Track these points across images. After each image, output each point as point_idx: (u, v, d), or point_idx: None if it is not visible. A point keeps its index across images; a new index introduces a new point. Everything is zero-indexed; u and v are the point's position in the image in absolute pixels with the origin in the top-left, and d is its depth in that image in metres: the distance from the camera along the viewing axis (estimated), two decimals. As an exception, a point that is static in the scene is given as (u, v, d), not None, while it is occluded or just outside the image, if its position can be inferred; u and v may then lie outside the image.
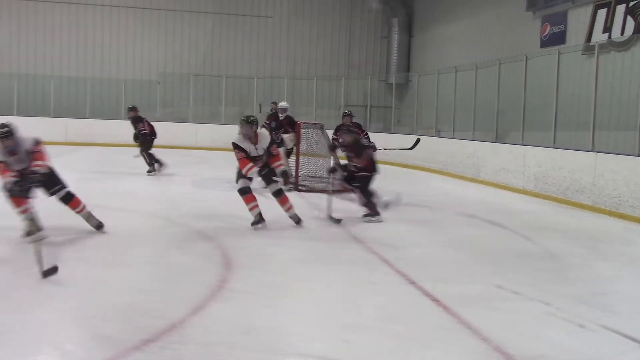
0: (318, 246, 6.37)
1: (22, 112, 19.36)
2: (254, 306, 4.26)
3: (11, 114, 19.35)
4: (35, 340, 3.54)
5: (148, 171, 11.77)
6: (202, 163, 15.16)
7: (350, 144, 8.15)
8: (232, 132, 18.10)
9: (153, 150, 12.01)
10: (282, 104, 11.96)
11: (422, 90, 16.94)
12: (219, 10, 21.58)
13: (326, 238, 6.82)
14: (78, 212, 6.45)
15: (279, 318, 4.07)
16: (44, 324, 3.78)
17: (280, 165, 7.37)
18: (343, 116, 11.14)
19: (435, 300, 4.50)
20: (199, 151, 18.16)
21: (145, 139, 11.99)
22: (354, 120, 11.05)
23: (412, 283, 4.94)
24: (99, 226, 6.51)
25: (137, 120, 12.11)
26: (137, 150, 12.18)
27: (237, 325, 3.86)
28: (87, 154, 15.58)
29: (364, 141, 8.62)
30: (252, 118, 7.08)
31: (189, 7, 21.43)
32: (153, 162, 11.89)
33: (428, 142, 15.35)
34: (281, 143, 10.89)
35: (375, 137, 13.84)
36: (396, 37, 21.93)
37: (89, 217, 6.51)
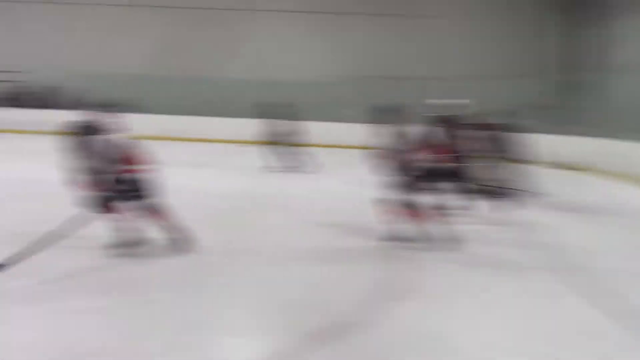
0: (502, 254, 6.39)
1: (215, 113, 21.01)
2: (443, 311, 4.52)
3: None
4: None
5: None
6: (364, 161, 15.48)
7: None
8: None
9: None
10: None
11: (593, 90, 16.07)
12: (382, 11, 21.98)
13: (509, 246, 6.77)
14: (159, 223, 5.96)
15: (468, 323, 4.30)
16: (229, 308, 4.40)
17: None
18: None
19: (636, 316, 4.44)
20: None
21: None
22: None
23: (608, 296, 4.91)
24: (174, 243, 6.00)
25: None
26: None
27: (426, 330, 4.16)
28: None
29: None
30: None
31: (357, 9, 22.02)
32: None
33: (603, 146, 14.57)
34: None
35: (550, 139, 13.46)
36: (561, 34, 20.88)
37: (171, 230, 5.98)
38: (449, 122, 8.19)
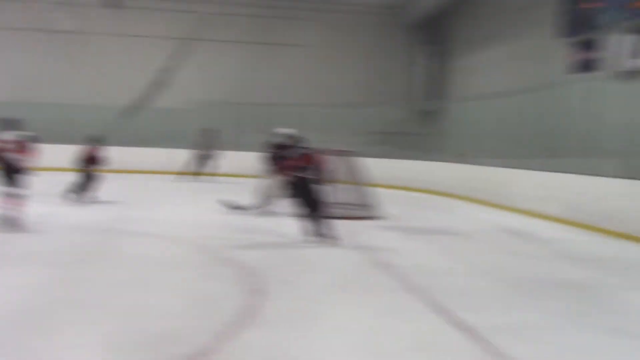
0: (349, 274, 6.33)
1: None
2: (285, 334, 4.23)
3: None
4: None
5: None
6: (227, 190, 15.24)
7: None
8: (256, 159, 18.06)
9: None
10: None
11: (453, 117, 16.92)
12: (250, 39, 21.92)
13: (357, 266, 6.79)
14: None
15: (311, 347, 4.04)
16: (78, 348, 3.82)
17: None
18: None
19: (468, 329, 4.43)
20: (223, 178, 18.27)
21: None
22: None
23: (446, 312, 4.87)
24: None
25: None
26: None
27: (268, 354, 3.84)
28: (121, 183, 15.81)
29: None
30: None
31: (224, 36, 21.77)
32: None
33: (457, 169, 15.32)
34: None
35: (404, 165, 13.93)
36: (427, 64, 22.03)
37: None
38: (283, 147, 8.80)
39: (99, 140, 11.81)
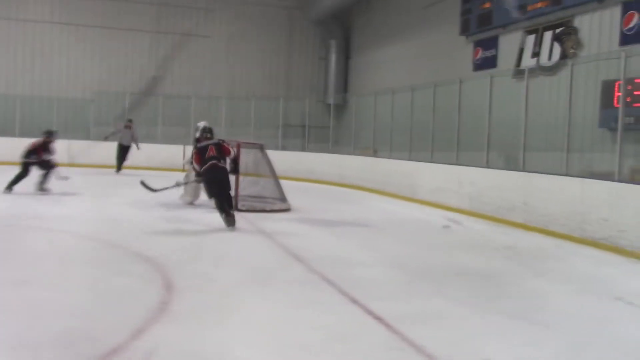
0: (260, 266, 6.32)
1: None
2: (198, 329, 4.18)
3: None
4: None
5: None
6: (138, 183, 14.81)
7: None
8: (169, 152, 17.93)
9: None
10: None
11: (360, 111, 17.18)
12: (157, 28, 21.35)
13: (268, 258, 6.80)
14: None
15: (224, 341, 4.01)
16: (-23, 352, 3.61)
17: None
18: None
19: (378, 318, 4.54)
20: (134, 171, 17.77)
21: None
22: None
23: (355, 302, 4.97)
24: None
25: None
26: None
27: (181, 350, 3.78)
28: (16, 173, 14.98)
29: None
30: None
31: (127, 25, 21.10)
32: None
33: (366, 162, 15.62)
34: None
35: (313, 157, 14.06)
36: (334, 59, 22.32)
37: None
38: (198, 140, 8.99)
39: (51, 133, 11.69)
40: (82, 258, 6.38)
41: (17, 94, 19.83)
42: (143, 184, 9.27)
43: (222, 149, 8.72)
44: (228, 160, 8.93)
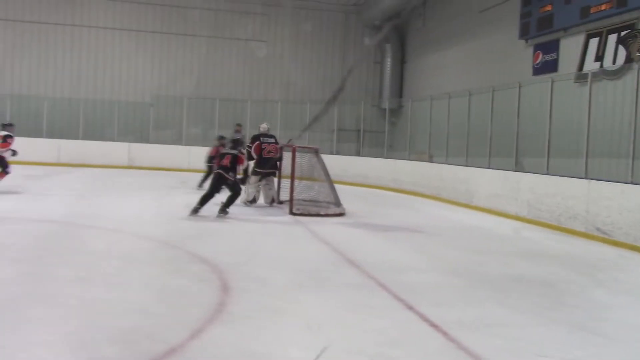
0: (314, 269, 6.32)
1: (16, 133, 19.32)
2: (254, 330, 4.22)
3: (3, 134, 19.34)
4: (33, 363, 3.48)
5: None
6: (194, 184, 15.10)
7: None
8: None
9: None
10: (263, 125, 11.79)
11: (415, 116, 17.05)
12: (214, 34, 21.73)
13: (322, 261, 6.79)
14: None
15: (278, 342, 4.03)
16: (46, 345, 3.73)
17: None
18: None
19: (434, 325, 4.48)
20: (191, 173, 18.11)
21: None
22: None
23: (410, 308, 4.92)
24: None
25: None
26: None
27: (236, 350, 3.82)
28: (79, 175, 15.54)
29: None
30: None
31: (184, 30, 21.56)
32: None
33: (420, 167, 15.47)
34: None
35: (368, 162, 13.98)
36: (389, 63, 22.21)
37: None
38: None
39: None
40: (141, 258, 6.51)
41: (81, 97, 20.51)
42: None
43: (237, 160, 9.78)
44: (240, 168, 10.02)
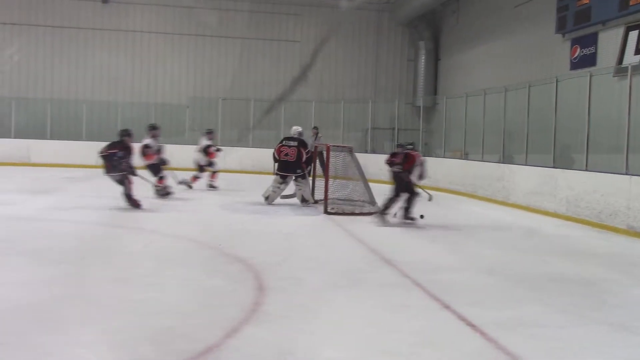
0: (349, 269, 6.31)
1: (55, 136, 19.83)
2: (289, 330, 4.23)
3: (44, 138, 19.84)
4: (73, 362, 3.55)
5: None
6: (231, 186, 15.23)
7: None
8: (260, 155, 18.25)
9: None
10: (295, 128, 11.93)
11: (450, 113, 16.87)
12: (247, 35, 21.87)
13: (357, 261, 6.78)
14: None
15: (314, 342, 4.04)
16: (84, 345, 3.80)
17: None
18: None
19: (471, 325, 4.43)
20: (227, 174, 18.26)
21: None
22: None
23: (447, 307, 4.87)
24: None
25: None
26: None
27: (272, 349, 3.84)
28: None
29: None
30: None
31: (218, 32, 21.75)
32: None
33: (457, 165, 15.32)
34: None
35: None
36: (423, 60, 22.04)
37: None
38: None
39: None
40: (177, 258, 6.59)
41: (119, 100, 20.86)
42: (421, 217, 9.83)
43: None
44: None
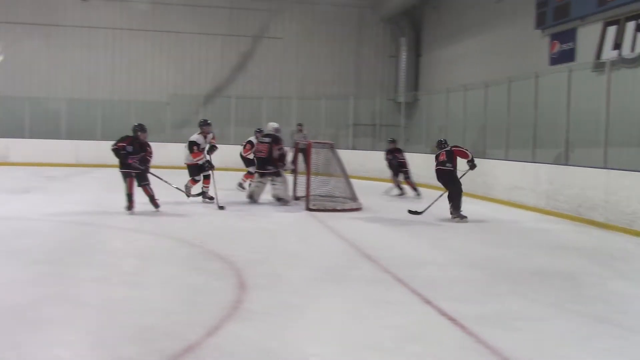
0: (331, 265, 6.32)
1: (34, 135, 19.57)
2: (271, 327, 4.22)
3: (23, 136, 19.58)
4: (53, 363, 3.51)
5: (416, 195, 13.13)
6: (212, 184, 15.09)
7: None
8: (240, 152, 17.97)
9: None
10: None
11: (431, 109, 16.95)
12: (228, 32, 21.77)
13: (339, 257, 6.79)
14: None
15: (296, 339, 4.03)
16: (65, 344, 3.77)
17: None
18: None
19: (452, 320, 4.45)
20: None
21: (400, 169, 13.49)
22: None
23: (428, 302, 4.89)
24: None
25: (396, 151, 13.54)
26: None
27: (254, 347, 3.83)
28: (98, 176, 15.66)
29: None
30: None
31: (199, 29, 21.62)
32: (416, 188, 13.35)
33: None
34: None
35: (383, 156, 13.90)
36: (404, 56, 22.12)
37: None
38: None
39: None
40: (159, 257, 6.55)
41: (98, 99, 20.66)
42: (410, 212, 10.10)
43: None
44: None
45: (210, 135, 11.16)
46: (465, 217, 9.64)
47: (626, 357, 3.88)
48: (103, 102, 20.56)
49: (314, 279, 5.69)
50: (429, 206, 9.98)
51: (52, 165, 18.05)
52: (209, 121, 11.38)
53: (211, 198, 10.80)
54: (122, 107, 20.53)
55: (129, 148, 9.35)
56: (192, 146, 10.81)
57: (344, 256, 6.86)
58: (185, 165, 11.32)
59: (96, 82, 21.14)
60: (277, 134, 11.22)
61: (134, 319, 4.29)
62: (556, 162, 11.11)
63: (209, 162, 10.94)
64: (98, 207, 9.92)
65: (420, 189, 13.21)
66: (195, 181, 11.11)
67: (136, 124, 9.69)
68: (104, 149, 18.45)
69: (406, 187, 13.45)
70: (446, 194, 9.86)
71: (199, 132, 11.06)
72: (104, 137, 19.78)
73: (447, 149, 10.07)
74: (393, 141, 13.97)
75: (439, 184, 10.20)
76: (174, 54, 21.69)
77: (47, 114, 20.25)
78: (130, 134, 9.58)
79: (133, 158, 9.34)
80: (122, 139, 9.46)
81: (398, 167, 13.48)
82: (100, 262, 6.12)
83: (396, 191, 13.50)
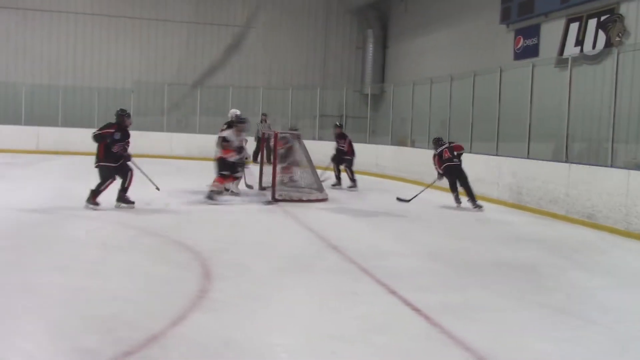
0: (297, 256, 6.32)
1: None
2: (235, 317, 4.20)
3: (-19, 122, 19.07)
4: (14, 353, 3.44)
5: (350, 187, 12.65)
6: (176, 173, 14.98)
7: None
8: (206, 142, 18.06)
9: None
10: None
11: (397, 101, 17.02)
12: (195, 19, 21.52)
13: (305, 247, 6.80)
14: None
15: (261, 329, 4.02)
16: (24, 335, 3.70)
17: None
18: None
19: (417, 310, 4.49)
20: (173, 160, 17.99)
21: (341, 157, 12.91)
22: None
23: (394, 293, 4.93)
24: None
25: (340, 137, 12.98)
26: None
27: (219, 337, 3.81)
28: (59, 163, 15.37)
29: None
30: None
31: (164, 15, 21.32)
32: (355, 179, 12.81)
33: (403, 153, 15.49)
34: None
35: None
36: (371, 48, 22.16)
37: None
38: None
39: None
40: (122, 246, 6.46)
41: (60, 84, 20.22)
42: (399, 199, 10.64)
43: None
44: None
45: (243, 134, 10.39)
46: (482, 206, 10.13)
47: (585, 347, 3.97)
48: (65, 88, 20.13)
49: (279, 269, 5.68)
50: (417, 195, 10.35)
51: (11, 151, 17.62)
52: (245, 118, 10.53)
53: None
54: (84, 93, 20.16)
55: (117, 135, 8.56)
56: (223, 142, 10.03)
57: (310, 246, 6.87)
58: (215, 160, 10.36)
59: (58, 68, 20.69)
60: (240, 121, 10.45)
61: (95, 308, 4.22)
62: (519, 155, 11.27)
63: (242, 160, 10.36)
64: (59, 195, 9.73)
65: (358, 178, 13.15)
66: (223, 177, 10.03)
67: (120, 110, 8.87)
68: (65, 136, 18.18)
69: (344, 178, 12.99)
70: (436, 184, 10.76)
71: (233, 128, 10.19)
72: (66, 124, 19.44)
73: (447, 145, 10.38)
74: (339, 126, 13.39)
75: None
76: (139, 41, 21.35)
77: (7, 100, 19.74)
78: (112, 121, 8.83)
79: (119, 146, 8.65)
80: (107, 126, 8.68)
81: (339, 154, 12.96)
82: (60, 251, 6.01)
83: (333, 180, 12.87)
